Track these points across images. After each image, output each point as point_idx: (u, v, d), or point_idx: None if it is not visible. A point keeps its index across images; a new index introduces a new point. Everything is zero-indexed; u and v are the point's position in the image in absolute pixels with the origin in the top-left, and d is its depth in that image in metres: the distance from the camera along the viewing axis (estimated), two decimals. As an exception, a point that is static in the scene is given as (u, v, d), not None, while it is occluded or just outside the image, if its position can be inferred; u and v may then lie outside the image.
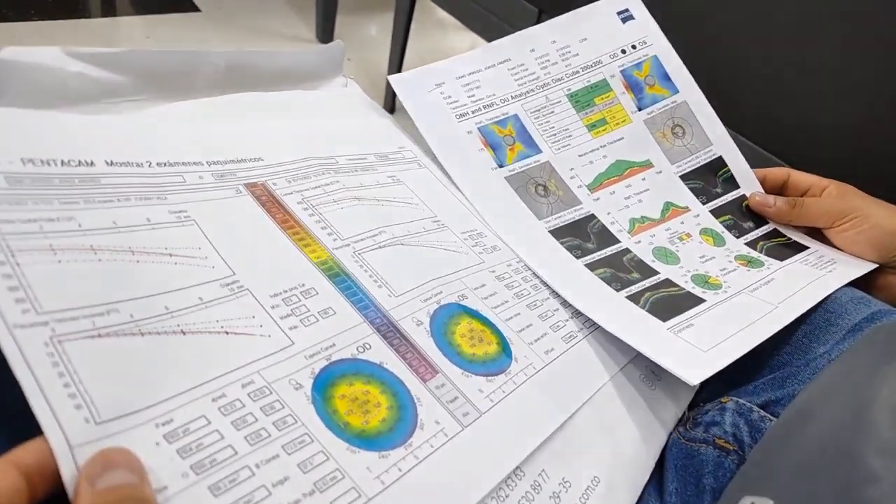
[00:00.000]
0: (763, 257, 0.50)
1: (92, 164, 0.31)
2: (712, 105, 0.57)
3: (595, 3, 0.57)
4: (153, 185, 0.32)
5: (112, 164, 0.31)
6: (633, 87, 0.55)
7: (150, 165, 0.33)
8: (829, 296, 0.44)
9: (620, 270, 0.46)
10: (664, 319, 0.41)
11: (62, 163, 0.30)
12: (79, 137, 0.32)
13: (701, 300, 0.43)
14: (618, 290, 0.44)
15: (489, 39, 0.53)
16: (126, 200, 0.30)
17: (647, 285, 0.45)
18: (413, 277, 0.37)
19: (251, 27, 1.72)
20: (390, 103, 1.50)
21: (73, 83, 0.37)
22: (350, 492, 0.26)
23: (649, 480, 0.37)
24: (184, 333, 0.27)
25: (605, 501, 0.34)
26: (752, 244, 0.52)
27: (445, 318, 0.36)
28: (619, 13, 0.57)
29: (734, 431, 0.37)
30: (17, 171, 0.28)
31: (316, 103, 0.48)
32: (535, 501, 0.31)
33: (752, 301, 0.43)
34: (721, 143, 0.56)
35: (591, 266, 0.46)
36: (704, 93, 0.57)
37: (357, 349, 0.31)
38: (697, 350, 0.38)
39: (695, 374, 0.35)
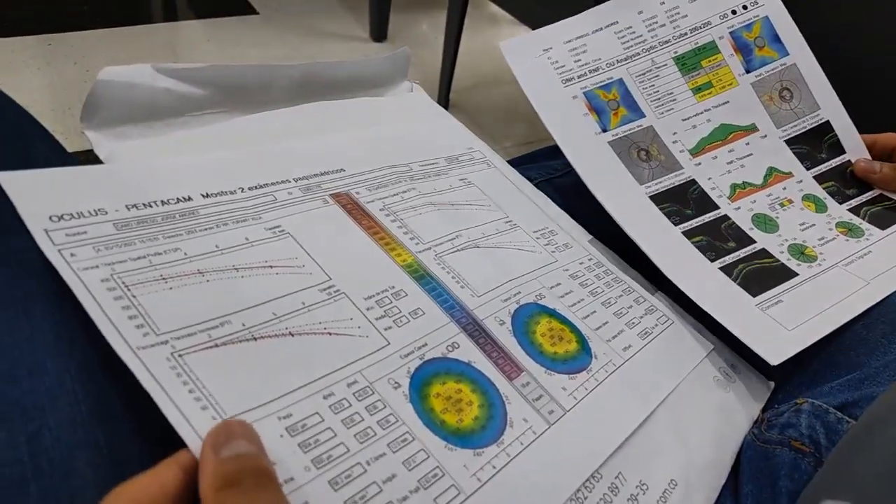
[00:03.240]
0: (865, 224, 0.49)
1: (189, 199, 0.33)
2: (825, 70, 0.54)
3: None
4: (247, 207, 0.35)
5: (207, 195, 0.34)
6: (742, 48, 0.54)
7: (242, 191, 0.36)
8: None
9: (717, 239, 0.46)
10: (754, 294, 0.42)
11: (162, 202, 0.32)
12: (174, 177, 0.34)
13: (794, 273, 0.44)
14: (712, 261, 0.44)
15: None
16: (224, 226, 0.33)
17: (742, 256, 0.45)
18: (492, 278, 0.38)
19: (307, 28, 1.75)
20: (444, 100, 1.51)
21: (162, 98, 0.39)
22: (450, 489, 0.27)
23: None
24: (292, 335, 0.29)
25: None
26: (855, 210, 0.51)
27: (526, 318, 0.37)
28: None
29: (810, 433, 0.36)
30: (123, 217, 0.31)
31: (386, 110, 0.50)
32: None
33: (844, 275, 0.43)
34: (830, 108, 0.54)
35: (689, 233, 0.46)
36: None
37: (447, 348, 0.33)
38: (782, 328, 0.38)
39: (776, 353, 0.35)
